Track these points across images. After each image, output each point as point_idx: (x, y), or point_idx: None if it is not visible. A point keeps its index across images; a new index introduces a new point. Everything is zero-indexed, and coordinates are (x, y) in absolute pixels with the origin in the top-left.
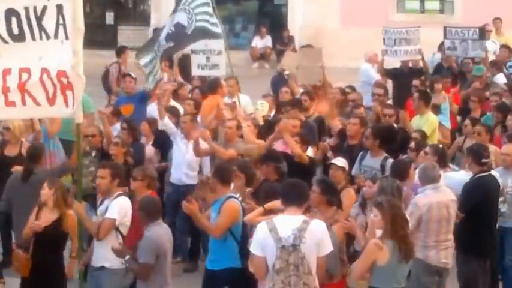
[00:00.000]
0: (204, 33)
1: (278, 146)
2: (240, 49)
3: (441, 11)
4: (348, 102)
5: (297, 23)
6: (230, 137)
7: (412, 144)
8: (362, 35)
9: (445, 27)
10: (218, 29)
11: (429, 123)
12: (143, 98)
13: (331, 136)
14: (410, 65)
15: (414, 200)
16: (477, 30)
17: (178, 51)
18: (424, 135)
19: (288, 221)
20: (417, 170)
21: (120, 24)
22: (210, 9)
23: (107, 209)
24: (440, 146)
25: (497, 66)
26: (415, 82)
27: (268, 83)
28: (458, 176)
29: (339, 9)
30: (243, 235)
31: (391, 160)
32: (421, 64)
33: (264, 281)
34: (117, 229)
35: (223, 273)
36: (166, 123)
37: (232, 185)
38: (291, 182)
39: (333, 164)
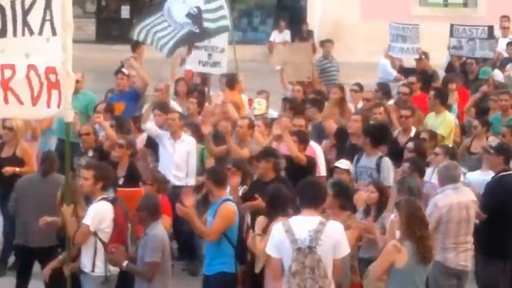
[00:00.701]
0: (210, 34)
1: (282, 149)
2: (258, 43)
3: (465, 5)
4: (345, 101)
5: (316, 17)
6: (241, 136)
7: (411, 145)
8: (383, 30)
9: (451, 25)
10: (226, 21)
11: (446, 124)
12: (135, 96)
13: (326, 137)
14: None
15: (434, 200)
16: (486, 28)
17: (201, 41)
18: (433, 136)
19: (304, 222)
20: (437, 169)
21: (136, 18)
22: (214, 4)
23: (86, 214)
24: (450, 146)
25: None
26: (411, 79)
27: None
28: (474, 177)
29: (360, 2)
30: (239, 239)
31: (386, 159)
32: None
33: (277, 282)
34: (95, 235)
35: (216, 278)
36: (149, 128)
37: (228, 187)
38: (308, 181)
39: (336, 167)
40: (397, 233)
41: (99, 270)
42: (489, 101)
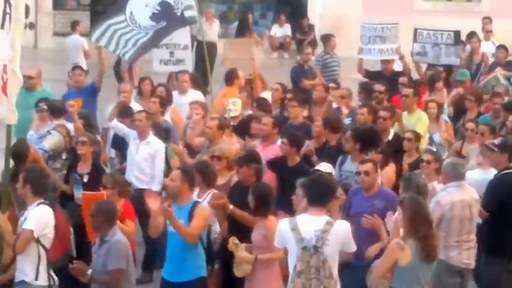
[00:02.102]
0: (183, 22)
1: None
2: (258, 37)
3: None
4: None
5: (318, 11)
6: (211, 137)
7: (378, 149)
8: None
9: (415, 29)
10: (193, 12)
11: (422, 122)
12: (92, 91)
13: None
14: (398, 68)
15: (436, 198)
16: (452, 34)
17: (171, 33)
18: (417, 136)
19: (311, 222)
20: (443, 166)
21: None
22: None
23: (26, 219)
24: (435, 149)
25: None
26: (402, 80)
27: (287, 74)
28: (474, 175)
29: None
30: (207, 240)
31: None
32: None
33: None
34: (38, 241)
35: (195, 284)
36: (115, 126)
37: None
38: (315, 179)
39: (318, 170)
40: (401, 231)
41: (43, 279)
42: (465, 101)
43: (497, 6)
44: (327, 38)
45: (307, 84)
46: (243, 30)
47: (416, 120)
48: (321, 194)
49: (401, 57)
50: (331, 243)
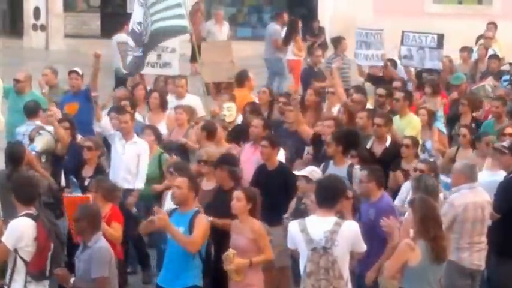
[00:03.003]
0: (167, 34)
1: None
2: None
3: (479, 2)
4: (320, 105)
5: (328, 13)
6: (197, 138)
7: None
8: (396, 27)
9: (403, 32)
10: (183, 22)
11: (412, 126)
12: (87, 96)
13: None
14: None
15: (450, 199)
16: (435, 36)
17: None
18: (416, 142)
19: (319, 223)
20: (458, 167)
21: None
22: (164, 4)
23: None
24: (431, 159)
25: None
26: (396, 84)
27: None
28: (483, 177)
29: None
30: (206, 252)
31: (357, 167)
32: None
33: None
34: (16, 251)
35: None
36: (103, 126)
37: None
38: (323, 181)
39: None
40: (411, 232)
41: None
42: (460, 106)
43: (508, 9)
44: (338, 41)
45: (318, 86)
46: (291, 34)
47: (407, 124)
48: (327, 196)
49: (386, 65)
50: (341, 244)
